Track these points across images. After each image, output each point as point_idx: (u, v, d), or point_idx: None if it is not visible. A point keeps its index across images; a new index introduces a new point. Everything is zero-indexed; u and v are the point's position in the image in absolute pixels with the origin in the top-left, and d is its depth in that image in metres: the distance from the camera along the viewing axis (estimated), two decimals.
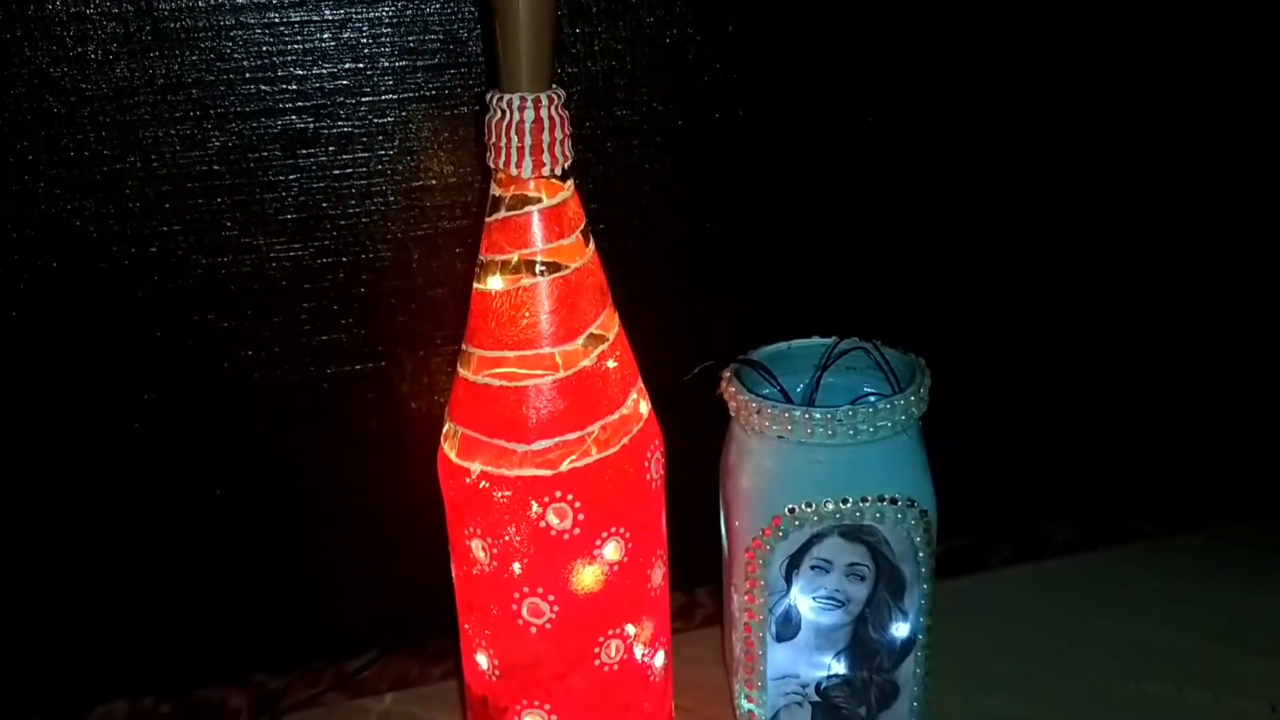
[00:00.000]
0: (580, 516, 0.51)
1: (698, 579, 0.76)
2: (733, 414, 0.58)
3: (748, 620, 0.59)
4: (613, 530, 0.52)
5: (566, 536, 0.51)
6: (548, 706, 0.55)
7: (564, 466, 0.50)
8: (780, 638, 0.59)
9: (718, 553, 0.62)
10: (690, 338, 0.69)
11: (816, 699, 0.60)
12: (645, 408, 0.54)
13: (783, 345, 0.63)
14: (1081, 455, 0.82)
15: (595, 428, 0.51)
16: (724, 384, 0.59)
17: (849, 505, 0.55)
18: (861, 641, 0.59)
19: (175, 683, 0.69)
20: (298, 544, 0.68)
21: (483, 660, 0.55)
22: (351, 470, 0.67)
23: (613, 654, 0.54)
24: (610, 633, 0.54)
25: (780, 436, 0.56)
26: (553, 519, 0.51)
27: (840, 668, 0.59)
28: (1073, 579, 0.77)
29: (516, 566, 0.52)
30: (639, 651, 0.56)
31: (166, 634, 0.68)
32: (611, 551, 0.53)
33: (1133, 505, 0.84)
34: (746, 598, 0.58)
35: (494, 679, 0.55)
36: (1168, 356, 0.80)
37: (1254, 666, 0.67)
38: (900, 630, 0.59)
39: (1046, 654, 0.69)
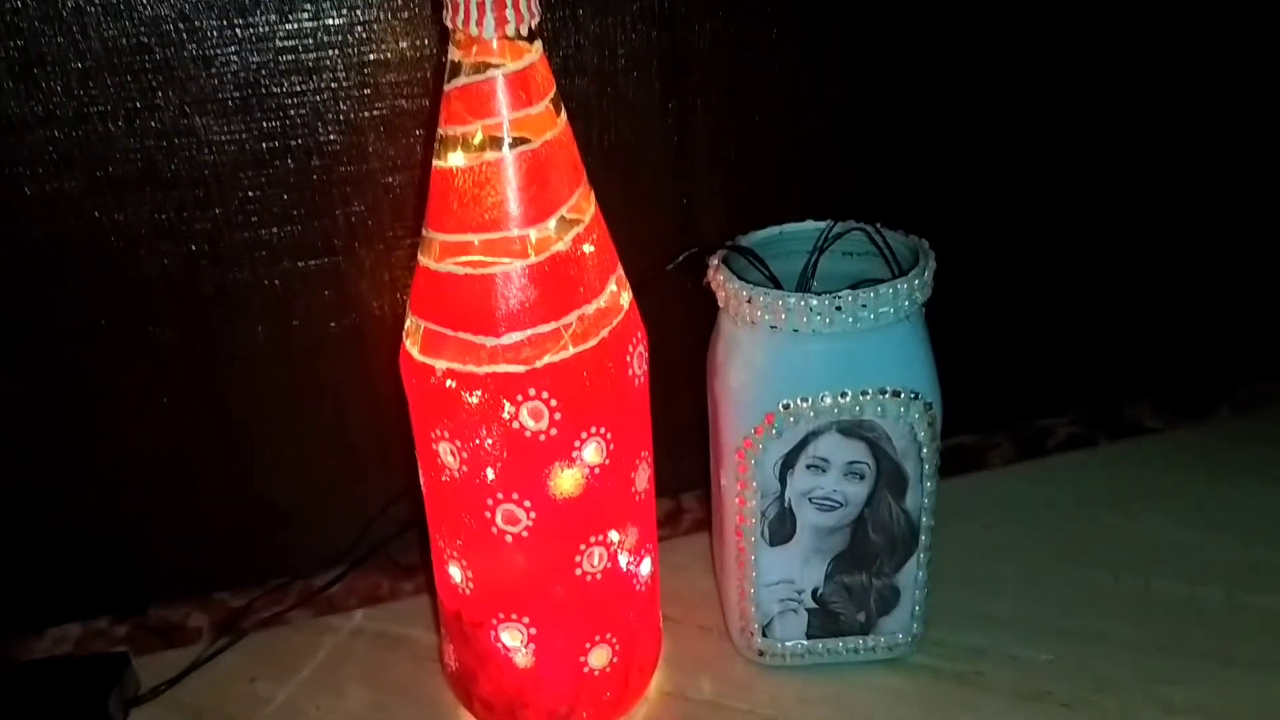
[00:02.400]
0: (557, 416, 0.47)
1: (684, 484, 0.72)
2: (721, 304, 0.54)
3: (739, 524, 0.55)
4: (592, 431, 0.48)
5: (542, 438, 0.47)
6: (526, 620, 0.51)
7: (538, 362, 0.46)
8: (774, 542, 0.55)
9: (704, 456, 0.58)
10: (674, 223, 0.64)
11: (813, 605, 0.57)
12: (626, 298, 0.50)
13: (774, 230, 0.58)
14: (1084, 347, 0.78)
15: (571, 319, 0.46)
16: (711, 272, 0.54)
17: (847, 399, 0.51)
18: (860, 544, 0.55)
19: (131, 602, 0.65)
20: (257, 454, 0.64)
21: (455, 573, 0.51)
22: (312, 375, 0.63)
23: (595, 563, 0.50)
24: (592, 540, 0.50)
25: (772, 327, 0.51)
26: (527, 419, 0.47)
27: (838, 572, 0.56)
28: (1077, 476, 0.73)
29: (489, 472, 0.48)
30: (623, 560, 0.52)
31: (119, 551, 0.64)
32: (591, 454, 0.48)
33: (1137, 398, 0.81)
34: (737, 500, 0.54)
35: (468, 593, 0.51)
36: (1178, 241, 0.76)
37: (1267, 561, 0.64)
38: (902, 531, 0.55)
39: (1051, 554, 0.66)
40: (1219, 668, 0.57)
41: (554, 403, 0.46)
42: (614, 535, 0.51)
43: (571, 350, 0.46)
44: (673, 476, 0.68)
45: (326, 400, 0.64)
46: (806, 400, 0.51)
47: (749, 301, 0.51)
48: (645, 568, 0.54)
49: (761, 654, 0.58)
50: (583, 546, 0.50)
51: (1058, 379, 0.78)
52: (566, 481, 0.48)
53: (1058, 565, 0.65)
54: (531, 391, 0.46)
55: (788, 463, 0.53)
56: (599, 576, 0.51)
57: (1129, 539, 0.67)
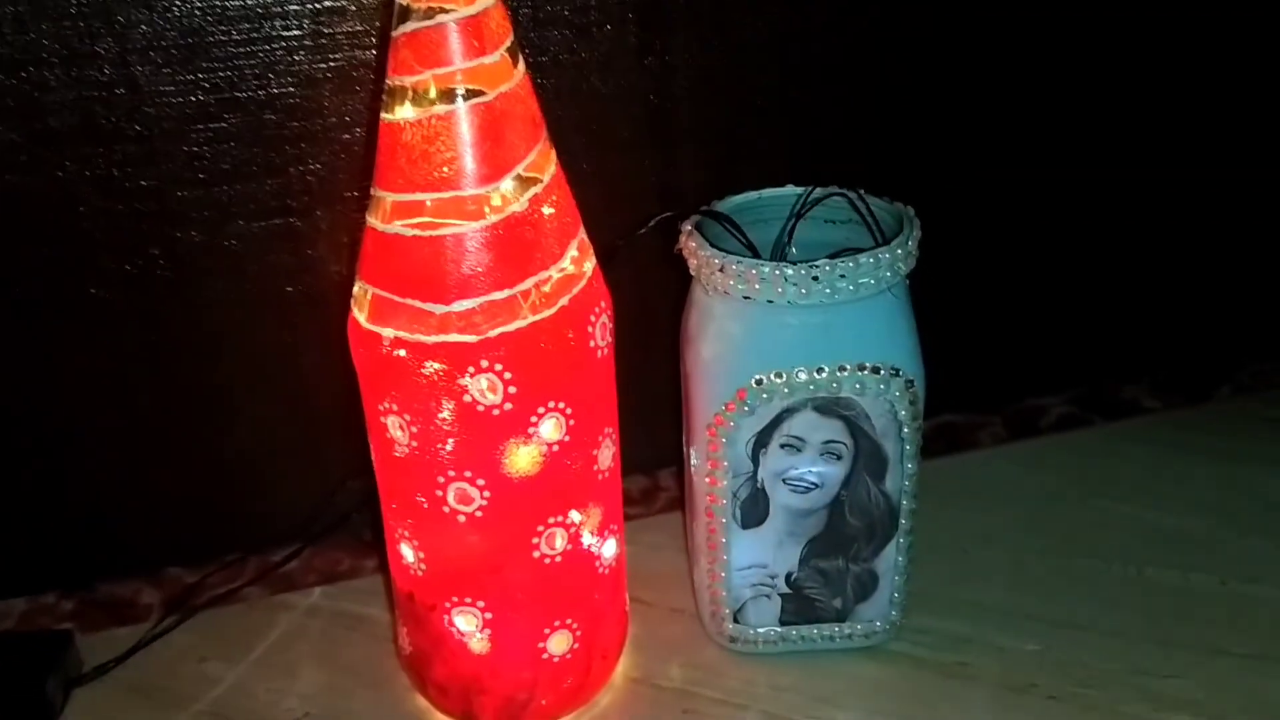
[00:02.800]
0: (512, 390, 0.44)
1: (662, 459, 0.69)
2: (693, 272, 0.51)
3: (710, 505, 0.52)
4: (551, 406, 0.45)
5: (496, 412, 0.44)
6: (481, 604, 0.48)
7: (491, 331, 0.43)
8: (746, 524, 0.52)
9: (681, 431, 0.55)
10: (650, 187, 0.61)
11: (786, 590, 0.54)
12: (589, 265, 0.47)
13: (752, 195, 0.55)
14: (1081, 325, 0.75)
15: (528, 285, 0.43)
16: (683, 238, 0.51)
17: (824, 375, 0.48)
18: (837, 527, 0.52)
19: (78, 577, 0.62)
20: (212, 425, 0.61)
21: (407, 553, 0.49)
22: (268, 342, 0.60)
23: (555, 545, 0.48)
24: (551, 521, 0.47)
25: (746, 297, 0.48)
26: (480, 392, 0.44)
27: (813, 556, 0.53)
28: (1070, 458, 0.70)
29: (441, 447, 0.45)
30: (586, 541, 0.49)
31: (67, 523, 0.61)
32: (550, 430, 0.45)
33: (1135, 378, 0.78)
34: (709, 480, 0.52)
35: (420, 574, 0.49)
36: (1181, 219, 0.73)
37: (1264, 549, 0.61)
38: (881, 515, 0.52)
39: (1041, 539, 0.63)
40: (1211, 659, 0.54)
41: (509, 375, 0.44)
42: (575, 516, 0.48)
43: (528, 319, 0.43)
44: (649, 452, 0.65)
45: (286, 368, 0.61)
46: (781, 375, 0.48)
47: (721, 270, 0.48)
48: (610, 549, 0.51)
49: (733, 640, 0.55)
50: (541, 528, 0.47)
51: (1052, 357, 0.75)
52: (523, 459, 0.45)
53: (1048, 551, 0.62)
54: (485, 363, 0.43)
55: (761, 441, 0.50)
56: (559, 559, 0.48)
57: (1122, 524, 0.64)
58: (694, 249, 0.50)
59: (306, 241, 0.58)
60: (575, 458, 0.47)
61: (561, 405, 0.45)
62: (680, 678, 0.55)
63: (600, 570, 0.51)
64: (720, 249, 0.49)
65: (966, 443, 0.73)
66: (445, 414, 0.44)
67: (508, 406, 0.44)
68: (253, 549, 0.63)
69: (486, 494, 0.46)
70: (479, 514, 0.46)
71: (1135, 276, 0.74)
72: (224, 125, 0.54)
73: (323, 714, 0.54)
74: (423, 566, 0.48)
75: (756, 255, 0.51)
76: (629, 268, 0.54)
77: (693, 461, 0.53)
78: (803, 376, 0.48)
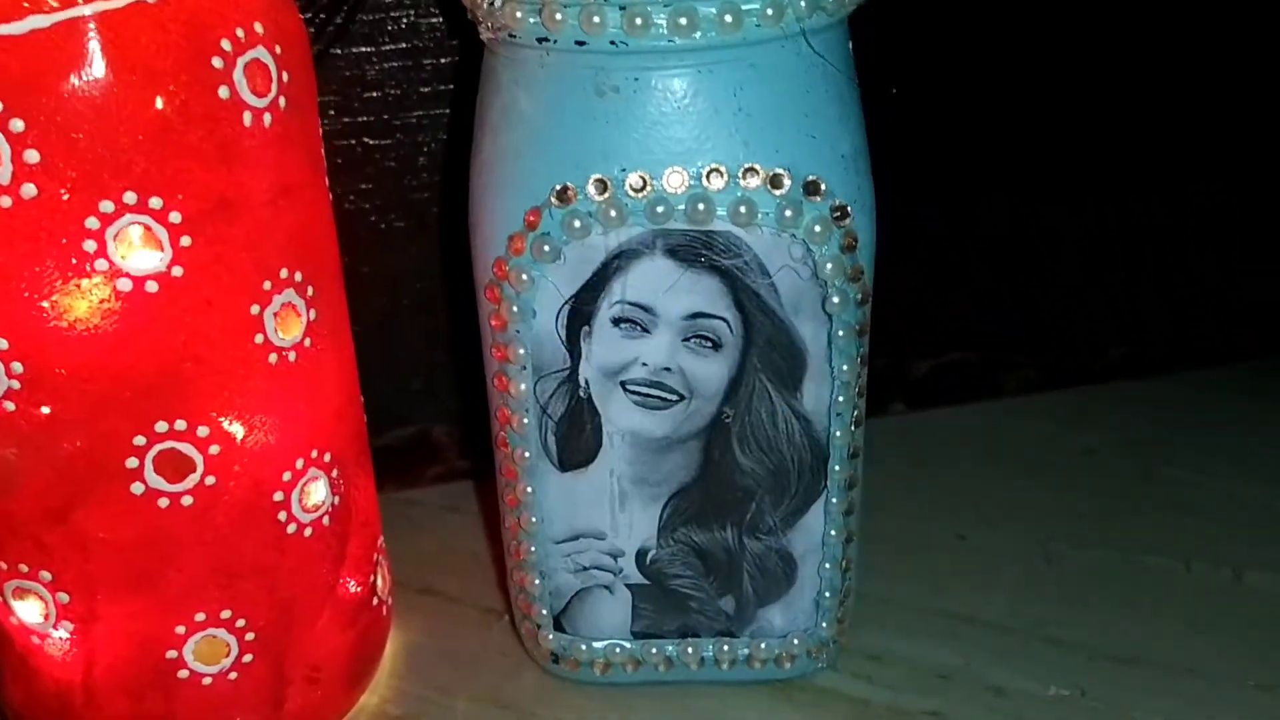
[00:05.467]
0: (35, 158, 0.23)
1: None
2: (470, 14, 0.29)
3: (502, 429, 0.31)
4: (128, 200, 0.24)
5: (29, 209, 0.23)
6: (47, 576, 0.27)
7: None
8: (566, 462, 0.31)
9: None
10: None
11: (639, 579, 0.32)
12: None
13: None
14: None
15: None
16: None
17: (680, 187, 0.27)
18: (720, 473, 0.31)
19: None
20: None
21: None
22: None
23: (187, 479, 0.26)
24: (161, 428, 0.26)
25: (542, 40, 0.26)
26: None
27: (682, 523, 0.31)
28: (1133, 413, 0.48)
29: None
30: (239, 474, 0.27)
31: None
32: (136, 249, 0.24)
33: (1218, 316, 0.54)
34: (496, 382, 0.30)
35: None
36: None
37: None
38: (796, 453, 0.30)
39: (1077, 524, 0.41)
40: None
41: (24, 126, 0.22)
42: (236, 429, 0.27)
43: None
44: None
45: None
46: (602, 185, 0.27)
47: None
48: (316, 495, 0.29)
49: (556, 659, 0.34)
50: (139, 438, 0.26)
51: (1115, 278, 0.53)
52: (80, 303, 0.24)
53: (1087, 542, 0.40)
54: None
55: (580, 313, 0.29)
56: (187, 501, 0.27)
57: (1208, 504, 0.41)
58: None
59: None
60: (209, 310, 0.26)
61: (156, 205, 0.24)
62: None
63: (293, 531, 0.29)
64: None
65: (986, 388, 0.50)
66: None
67: (34, 193, 0.23)
68: None
69: (21, 369, 0.24)
70: (10, 406, 0.25)
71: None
72: None
73: None
74: None
75: None
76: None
77: (484, 355, 0.31)
78: (641, 186, 0.27)
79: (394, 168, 0.39)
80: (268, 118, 0.26)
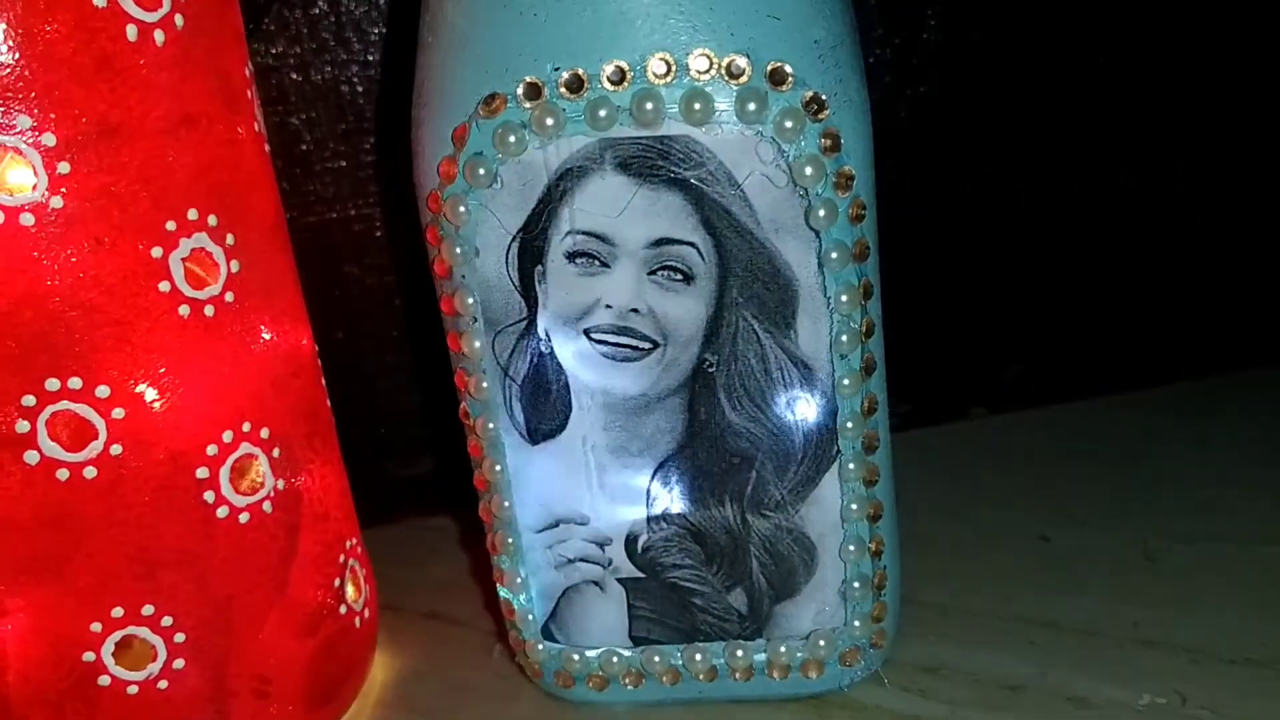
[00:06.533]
0: None
1: None
2: None
3: (462, 394, 0.27)
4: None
5: None
6: None
7: None
8: (535, 432, 0.27)
9: None
10: None
11: (633, 571, 0.28)
12: None
13: None
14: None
15: None
16: None
17: (624, 82, 0.23)
18: (710, 437, 0.26)
19: None
20: None
21: None
22: None
23: (88, 449, 0.24)
24: (53, 386, 0.23)
25: None
26: None
27: (672, 500, 0.27)
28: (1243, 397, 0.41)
29: None
30: (168, 457, 0.24)
31: None
32: (4, 175, 0.22)
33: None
34: (449, 341, 0.27)
35: None
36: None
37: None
38: (802, 405, 0.26)
39: (1172, 512, 0.34)
40: None
41: None
42: (149, 393, 0.24)
43: None
44: None
45: None
46: (534, 88, 0.23)
47: None
48: (253, 476, 0.26)
49: (548, 673, 0.29)
50: (29, 400, 0.23)
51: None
52: None
53: (1195, 535, 0.33)
54: None
55: (529, 248, 0.25)
56: (90, 473, 0.24)
57: None
58: None
59: None
60: (97, 246, 0.23)
61: (24, 124, 0.22)
62: None
63: (230, 516, 0.26)
64: None
65: (1076, 389, 0.44)
66: None
67: None
68: None
69: None
70: None
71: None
72: None
73: None
74: None
75: None
76: None
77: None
78: (576, 87, 0.23)
79: None
80: (159, 35, 0.23)
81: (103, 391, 0.24)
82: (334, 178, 0.37)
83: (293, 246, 0.28)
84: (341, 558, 0.29)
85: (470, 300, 0.26)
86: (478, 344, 0.26)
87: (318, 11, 0.35)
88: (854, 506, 0.26)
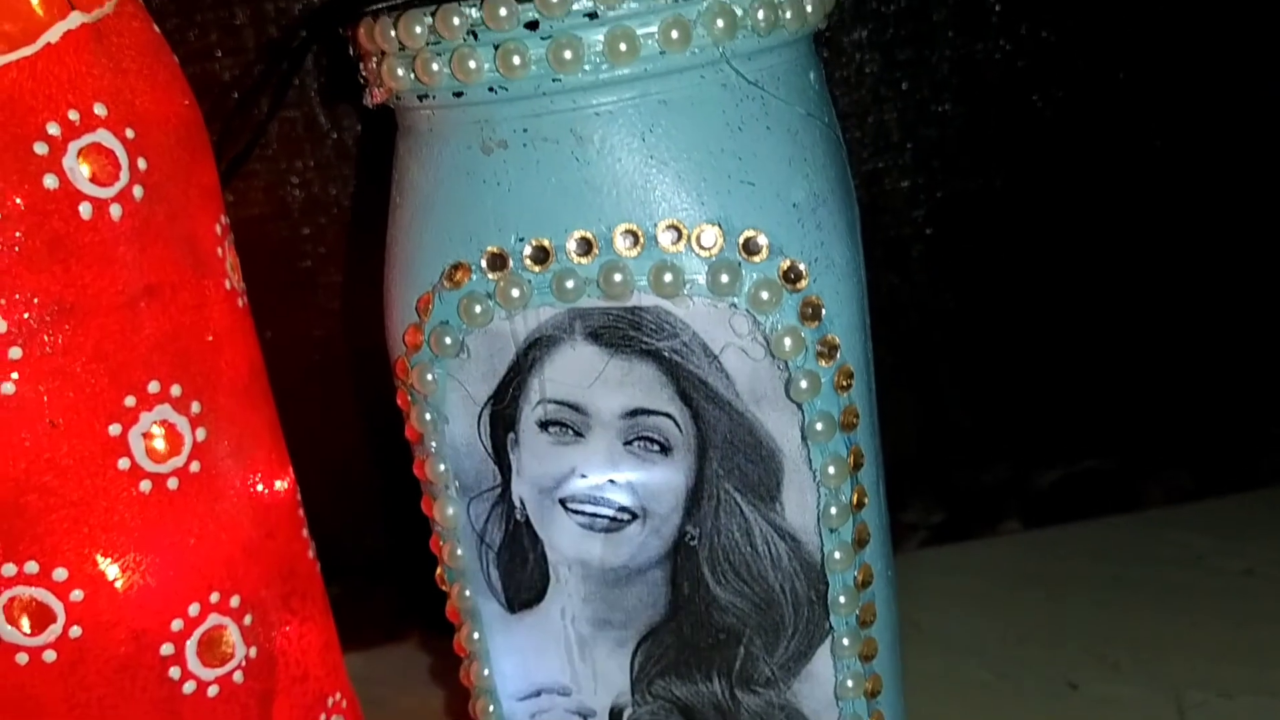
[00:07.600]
0: None
1: None
2: (361, 77, 0.25)
3: (441, 561, 0.26)
4: None
5: None
6: None
7: None
8: (513, 601, 0.26)
9: None
10: None
11: None
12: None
13: None
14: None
15: None
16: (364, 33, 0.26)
17: (590, 253, 0.22)
18: (695, 610, 0.25)
19: None
20: None
21: None
22: None
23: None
24: (9, 571, 0.23)
25: (423, 98, 0.23)
26: None
27: (659, 672, 0.25)
28: None
29: None
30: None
31: None
32: None
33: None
34: (425, 506, 0.26)
35: None
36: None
37: None
38: (786, 581, 0.24)
39: (1252, 662, 0.32)
40: None
41: None
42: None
43: None
44: None
45: None
46: (498, 258, 0.22)
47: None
48: (222, 648, 0.25)
49: None
50: None
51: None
52: None
53: (1235, 686, 0.31)
54: None
55: (501, 416, 0.24)
56: (49, 657, 0.23)
57: None
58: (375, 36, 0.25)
59: None
60: (52, 430, 0.22)
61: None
62: None
63: (197, 692, 0.25)
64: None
65: (1127, 499, 0.42)
66: None
67: None
68: None
69: None
70: None
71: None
72: None
73: None
74: None
75: None
76: None
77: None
78: (541, 259, 0.22)
79: None
80: (115, 209, 0.23)
81: (60, 574, 0.23)
82: None
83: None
84: (323, 717, 0.28)
85: (442, 468, 0.25)
86: (450, 511, 0.25)
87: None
88: (849, 684, 0.25)
